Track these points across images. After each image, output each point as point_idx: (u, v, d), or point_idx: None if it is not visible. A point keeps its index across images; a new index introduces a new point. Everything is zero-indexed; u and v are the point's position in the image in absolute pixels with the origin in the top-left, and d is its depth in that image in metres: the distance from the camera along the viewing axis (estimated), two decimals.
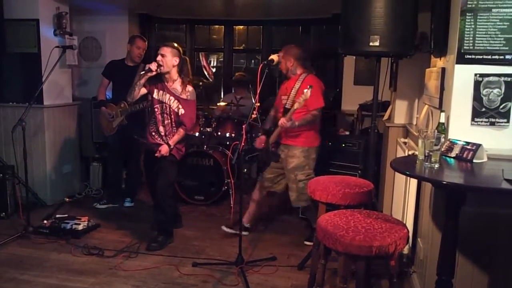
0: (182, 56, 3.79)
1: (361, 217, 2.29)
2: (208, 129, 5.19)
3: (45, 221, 4.15)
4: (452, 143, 2.41)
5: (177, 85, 3.75)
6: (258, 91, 3.50)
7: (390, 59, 3.99)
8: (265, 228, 4.38)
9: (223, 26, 6.81)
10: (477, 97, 2.45)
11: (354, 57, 5.26)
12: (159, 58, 3.66)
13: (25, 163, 3.99)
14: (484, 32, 2.42)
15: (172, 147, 3.73)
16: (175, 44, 3.77)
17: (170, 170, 3.81)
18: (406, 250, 3.31)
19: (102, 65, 4.99)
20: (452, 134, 2.50)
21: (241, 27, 6.94)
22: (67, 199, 5.10)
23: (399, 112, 4.07)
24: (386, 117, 4.46)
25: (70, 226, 4.07)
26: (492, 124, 2.45)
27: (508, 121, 2.43)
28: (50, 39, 4.78)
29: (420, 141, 2.29)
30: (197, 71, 6.68)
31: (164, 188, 3.80)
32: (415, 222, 3.24)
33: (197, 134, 5.03)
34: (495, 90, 2.43)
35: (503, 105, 2.43)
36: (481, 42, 2.43)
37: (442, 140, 2.29)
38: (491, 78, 2.43)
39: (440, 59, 2.89)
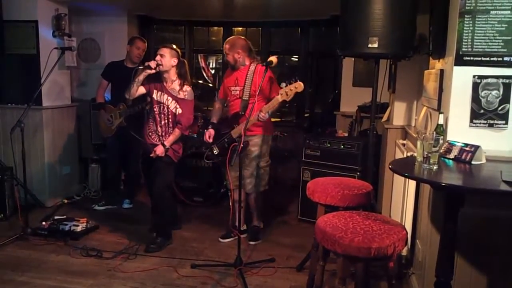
0: (181, 59, 3.81)
1: (360, 219, 2.29)
2: (205, 130, 5.19)
3: (43, 223, 4.14)
4: (451, 145, 2.41)
5: (175, 85, 3.77)
6: (257, 92, 3.51)
7: (389, 60, 4.00)
8: (263, 229, 4.37)
9: (222, 28, 6.82)
10: (475, 98, 2.46)
11: (353, 59, 5.26)
12: (158, 57, 3.70)
13: (23, 164, 3.98)
14: (482, 34, 2.43)
15: (167, 147, 3.73)
16: (174, 46, 3.81)
17: (166, 172, 3.81)
18: (404, 252, 3.31)
19: (101, 67, 4.99)
20: (451, 136, 2.50)
21: (240, 28, 6.94)
22: (66, 201, 5.10)
23: (398, 113, 4.07)
24: (385, 118, 4.46)
25: (68, 228, 4.06)
26: (491, 125, 2.46)
27: (506, 123, 2.43)
28: (49, 40, 4.78)
29: (418, 143, 2.29)
30: (196, 72, 6.69)
31: (161, 190, 3.80)
32: (413, 223, 3.24)
33: (195, 135, 5.03)
34: (494, 92, 2.43)
35: (502, 106, 2.43)
36: (479, 44, 2.43)
37: (441, 141, 2.30)
38: (489, 80, 2.43)
39: (439, 61, 2.89)
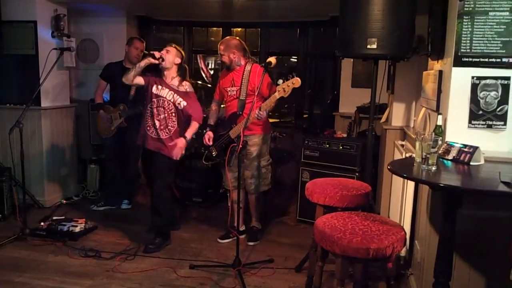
0: (183, 64, 3.84)
1: (359, 220, 2.29)
2: (204, 131, 5.19)
3: (42, 223, 4.14)
4: (449, 146, 2.42)
5: (175, 81, 3.79)
6: (256, 93, 3.51)
7: (388, 61, 4.00)
8: (262, 230, 4.37)
9: (221, 28, 6.82)
10: (474, 99, 2.46)
11: (352, 60, 5.27)
12: (163, 52, 3.73)
13: (22, 165, 3.98)
14: (481, 35, 2.43)
15: (188, 139, 3.75)
16: (181, 49, 3.87)
17: (166, 172, 3.81)
18: (403, 253, 3.31)
19: (99, 67, 4.98)
20: (449, 137, 2.50)
21: (239, 29, 6.95)
22: (64, 201, 5.09)
23: (397, 114, 4.07)
24: (383, 119, 4.47)
25: (67, 228, 4.06)
26: (489, 126, 2.46)
27: (505, 124, 2.44)
28: (48, 41, 4.77)
29: (417, 144, 2.30)
30: (195, 73, 6.68)
31: (161, 190, 3.80)
32: (412, 224, 3.24)
33: (194, 136, 5.02)
34: (492, 93, 2.44)
35: (500, 107, 2.44)
36: (478, 45, 2.44)
37: (439, 142, 2.30)
38: (488, 81, 2.44)
39: (438, 62, 2.90)
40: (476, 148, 2.31)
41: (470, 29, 2.44)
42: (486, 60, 2.44)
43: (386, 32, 2.95)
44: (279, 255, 3.74)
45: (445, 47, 2.70)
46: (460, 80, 2.47)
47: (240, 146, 3.23)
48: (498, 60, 2.42)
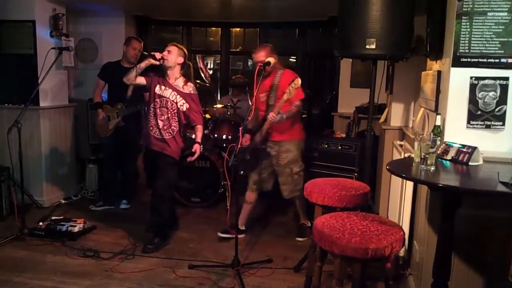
0: (187, 61, 3.83)
1: (357, 220, 2.29)
2: (205, 131, 5.19)
3: (40, 223, 4.13)
4: (448, 146, 2.42)
5: (179, 82, 3.78)
6: (255, 94, 3.51)
7: (386, 62, 4.00)
8: (261, 230, 4.38)
9: (219, 28, 6.82)
10: (472, 100, 2.47)
11: (351, 60, 5.27)
12: (165, 53, 3.71)
13: (20, 164, 3.97)
14: (479, 36, 2.43)
15: (201, 143, 3.81)
16: (183, 47, 3.84)
17: (169, 171, 3.81)
18: (402, 253, 3.31)
19: (98, 67, 4.98)
20: (448, 137, 2.51)
21: (238, 29, 6.95)
22: (63, 201, 5.09)
23: (395, 114, 4.08)
24: (382, 119, 4.47)
25: (65, 228, 4.05)
26: (488, 127, 2.46)
27: (503, 124, 2.44)
28: (46, 40, 4.77)
29: (416, 144, 2.30)
30: (194, 73, 6.68)
31: (163, 190, 3.80)
32: (411, 224, 3.24)
33: (193, 136, 5.02)
34: (491, 93, 2.44)
35: (499, 108, 2.44)
36: (476, 45, 2.44)
37: (438, 142, 2.31)
38: (486, 81, 2.44)
39: (436, 62, 2.90)
40: (474, 148, 2.32)
41: (468, 30, 2.44)
42: (485, 60, 2.44)
43: (384, 32, 2.96)
44: (278, 255, 3.74)
45: (443, 47, 2.70)
46: (459, 80, 2.48)
47: (239, 146, 3.23)
48: (497, 60, 2.42)
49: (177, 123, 3.77)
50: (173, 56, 3.72)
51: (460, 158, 2.32)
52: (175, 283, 3.27)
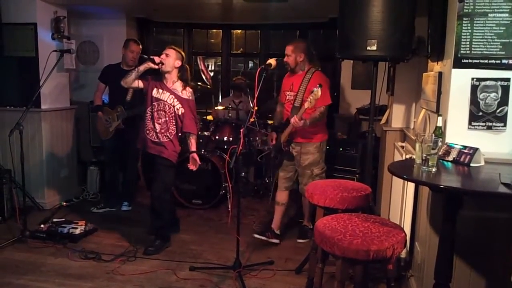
0: (184, 64, 3.82)
1: (359, 221, 2.29)
2: (206, 133, 5.20)
3: (42, 225, 4.14)
4: (449, 147, 2.42)
5: (177, 86, 3.78)
6: (256, 95, 3.51)
7: (388, 63, 4.01)
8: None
9: (221, 30, 6.83)
10: (474, 101, 2.46)
11: (352, 61, 5.27)
12: (163, 56, 3.71)
13: (22, 167, 3.97)
14: (480, 37, 2.43)
15: (196, 151, 3.81)
16: (180, 50, 3.84)
17: (166, 174, 3.80)
18: (403, 254, 3.30)
19: (100, 69, 4.99)
20: (449, 138, 2.50)
21: (239, 31, 6.96)
22: (64, 203, 5.09)
23: (397, 116, 4.07)
24: (383, 121, 4.46)
25: (67, 230, 4.05)
26: (489, 128, 2.46)
27: (505, 125, 2.44)
28: (48, 43, 4.78)
29: (417, 145, 2.30)
30: (195, 75, 6.68)
31: (160, 192, 3.79)
32: (412, 226, 3.24)
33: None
34: (492, 94, 2.44)
35: (500, 109, 2.43)
36: (477, 46, 2.44)
37: (440, 144, 2.30)
38: (488, 82, 2.44)
39: (437, 63, 2.90)
40: (476, 149, 2.31)
41: (469, 31, 2.44)
42: (486, 61, 2.44)
43: (386, 34, 2.95)
44: (279, 257, 3.74)
45: (444, 48, 2.70)
46: (460, 81, 2.47)
47: (241, 148, 3.23)
48: (498, 61, 2.42)
49: (175, 126, 3.76)
50: (171, 59, 3.72)
51: (462, 159, 2.31)
52: (176, 285, 3.26)
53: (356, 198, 2.81)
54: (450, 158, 2.36)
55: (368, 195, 2.90)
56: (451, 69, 2.48)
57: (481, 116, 2.46)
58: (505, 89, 2.42)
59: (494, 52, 2.42)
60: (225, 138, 5.16)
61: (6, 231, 4.17)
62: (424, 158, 2.21)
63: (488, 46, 2.43)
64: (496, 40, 2.41)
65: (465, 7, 2.43)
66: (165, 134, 3.75)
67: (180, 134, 3.85)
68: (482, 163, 2.31)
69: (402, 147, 3.61)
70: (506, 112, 2.43)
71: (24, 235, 3.95)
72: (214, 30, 7.04)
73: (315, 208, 3.06)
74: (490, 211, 2.31)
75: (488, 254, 2.37)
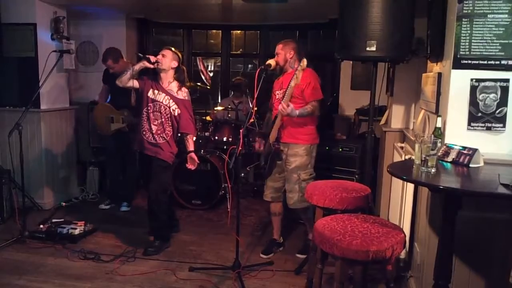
0: (181, 65, 3.82)
1: (358, 222, 2.29)
2: (205, 134, 5.20)
3: (41, 226, 4.14)
4: (449, 148, 2.42)
5: (172, 87, 3.77)
6: (256, 96, 3.51)
7: (387, 64, 4.01)
8: (262, 232, 4.38)
9: (220, 31, 6.83)
10: (473, 102, 2.47)
11: (351, 62, 5.27)
12: (159, 56, 3.71)
13: (21, 167, 3.97)
14: (480, 38, 2.44)
15: (194, 151, 3.81)
16: (177, 51, 3.84)
17: (162, 175, 3.79)
18: (403, 255, 3.31)
19: (99, 70, 4.99)
20: (449, 139, 2.51)
21: (239, 31, 6.96)
22: (64, 204, 5.09)
23: (396, 116, 4.08)
24: (383, 121, 4.47)
25: (66, 231, 4.05)
26: (488, 129, 2.46)
27: (504, 126, 2.44)
28: (47, 43, 4.78)
29: (416, 146, 2.30)
30: (195, 75, 6.69)
31: (157, 194, 3.78)
32: (412, 226, 3.24)
33: (194, 138, 5.03)
34: (491, 95, 2.44)
35: (499, 110, 2.44)
36: (477, 47, 2.45)
37: (439, 144, 2.30)
38: (487, 83, 2.44)
39: (437, 64, 2.90)
40: (475, 150, 2.31)
41: (469, 32, 2.44)
42: (485, 62, 2.44)
43: (385, 35, 2.96)
44: (278, 258, 3.74)
45: (444, 49, 2.70)
46: (459, 82, 2.48)
47: (240, 148, 3.23)
48: (497, 62, 2.42)
49: (171, 127, 3.76)
50: (167, 60, 3.72)
51: (461, 160, 2.32)
52: (176, 286, 3.26)
53: (356, 199, 2.81)
54: (450, 158, 2.37)
55: (368, 195, 2.90)
56: (451, 70, 2.49)
57: (480, 117, 2.46)
58: (504, 90, 2.42)
59: (494, 53, 2.42)
60: (225, 139, 5.16)
61: (6, 231, 4.16)
62: (423, 158, 2.21)
63: (487, 47, 2.43)
64: (495, 41, 2.42)
65: (465, 8, 2.44)
66: (161, 135, 3.74)
67: (179, 135, 3.85)
68: (481, 164, 2.31)
69: (402, 147, 3.61)
70: (506, 113, 2.43)
71: (23, 235, 3.95)
72: (214, 31, 7.04)
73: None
74: (489, 211, 2.31)
75: (487, 255, 2.37)
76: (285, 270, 3.53)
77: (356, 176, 4.19)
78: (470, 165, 2.28)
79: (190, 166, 3.78)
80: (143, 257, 3.71)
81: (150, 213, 3.89)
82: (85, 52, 5.97)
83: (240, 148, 3.23)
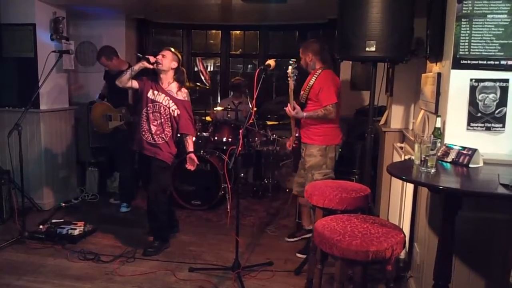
0: (180, 67, 3.82)
1: (358, 222, 2.29)
2: (205, 134, 5.20)
3: (41, 226, 4.13)
4: (448, 148, 2.42)
5: (172, 87, 3.77)
6: (255, 96, 3.51)
7: (386, 64, 4.01)
8: (261, 233, 4.38)
9: (220, 31, 6.83)
10: (472, 102, 2.47)
11: (351, 62, 5.27)
12: (159, 57, 3.71)
13: (21, 168, 3.97)
14: (479, 38, 2.44)
15: (194, 151, 3.81)
16: (177, 52, 3.84)
17: (161, 176, 3.79)
18: (402, 255, 3.31)
19: (99, 70, 4.98)
20: (448, 139, 2.51)
21: (238, 32, 6.95)
22: (63, 204, 5.09)
23: (396, 117, 4.08)
24: (382, 122, 4.47)
25: (66, 231, 4.05)
26: (488, 129, 2.46)
27: (503, 126, 2.44)
28: (46, 43, 4.78)
29: (416, 146, 2.30)
30: (194, 76, 6.68)
31: (155, 194, 3.77)
32: (411, 226, 3.24)
33: (194, 138, 5.03)
34: (491, 95, 2.44)
35: (499, 110, 2.44)
36: (476, 47, 2.45)
37: (438, 145, 2.30)
38: (486, 83, 2.44)
39: (436, 64, 2.90)
40: (475, 150, 2.31)
41: (468, 32, 2.45)
42: (485, 62, 2.44)
43: (384, 35, 2.96)
44: (278, 258, 3.74)
45: (443, 49, 2.70)
46: (459, 82, 2.48)
47: (240, 148, 3.23)
48: (497, 62, 2.43)
49: (170, 128, 3.76)
50: (167, 60, 3.72)
51: (461, 160, 2.32)
52: (175, 286, 3.26)
53: (355, 199, 2.81)
54: (449, 159, 2.37)
55: (367, 196, 2.90)
56: (450, 70, 2.49)
57: (479, 117, 2.47)
58: (504, 90, 2.42)
59: (493, 53, 2.42)
60: (224, 139, 5.16)
61: (5, 232, 4.16)
62: (423, 159, 2.21)
63: (486, 47, 2.43)
64: (494, 41, 2.42)
65: (464, 8, 2.44)
66: (160, 135, 3.74)
67: (178, 135, 3.85)
68: (481, 164, 2.31)
69: (401, 148, 3.61)
70: (505, 113, 2.43)
71: (23, 236, 3.95)
72: (213, 31, 7.04)
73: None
74: (489, 212, 2.31)
75: (487, 255, 2.37)
76: (285, 270, 3.53)
77: (356, 176, 4.19)
78: (470, 165, 2.28)
79: (189, 167, 3.78)
80: (143, 257, 3.71)
81: (149, 213, 3.89)
82: (85, 52, 5.96)
83: (239, 149, 3.23)
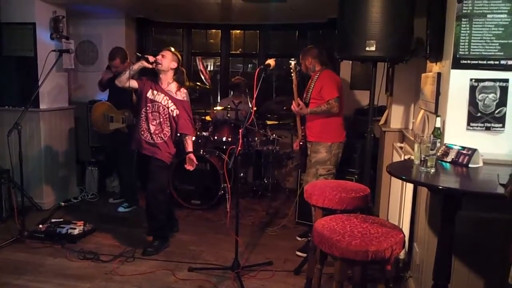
0: (180, 67, 3.82)
1: (358, 222, 2.29)
2: (205, 133, 5.20)
3: (40, 226, 4.13)
4: (448, 148, 2.42)
5: (172, 87, 3.77)
6: (255, 96, 3.50)
7: (386, 64, 4.01)
8: (261, 232, 4.38)
9: (220, 31, 6.82)
10: (472, 102, 2.47)
11: (351, 62, 5.27)
12: (158, 57, 3.70)
13: (20, 167, 3.97)
14: (479, 38, 2.44)
15: (193, 151, 3.82)
16: (177, 53, 3.84)
17: (159, 175, 3.78)
18: (402, 255, 3.31)
19: (98, 69, 4.98)
20: (448, 139, 2.51)
21: (238, 31, 6.95)
22: (63, 203, 5.09)
23: (395, 116, 4.08)
24: (382, 121, 4.47)
25: (65, 231, 4.05)
26: (488, 129, 2.46)
27: (503, 126, 2.44)
28: (46, 42, 4.78)
29: (416, 146, 2.30)
30: (194, 75, 6.68)
31: (154, 194, 3.77)
32: (411, 226, 3.24)
33: (193, 138, 5.03)
34: (491, 95, 2.44)
35: (498, 110, 2.44)
36: (476, 47, 2.45)
37: (438, 145, 2.30)
38: (486, 83, 2.44)
39: (436, 64, 2.90)
40: (474, 150, 2.31)
41: (468, 32, 2.44)
42: (485, 62, 2.44)
43: (384, 34, 2.95)
44: (277, 258, 3.74)
45: (443, 49, 2.70)
46: (459, 82, 2.48)
47: (239, 148, 3.23)
48: (497, 62, 2.42)
49: (169, 128, 3.75)
50: (167, 60, 3.71)
51: (460, 160, 2.32)
52: (175, 286, 3.26)
53: (355, 199, 2.81)
54: (449, 159, 2.37)
55: (367, 195, 2.90)
56: (450, 70, 2.49)
57: (479, 117, 2.47)
58: (504, 90, 2.42)
59: (493, 53, 2.42)
60: (224, 139, 5.15)
61: (5, 231, 4.16)
62: (422, 158, 2.21)
63: (486, 47, 2.43)
64: (494, 41, 2.42)
65: (464, 8, 2.44)
66: (159, 135, 3.74)
67: (178, 135, 3.85)
68: (481, 164, 2.31)
69: (401, 147, 3.61)
70: (505, 113, 2.43)
71: (22, 235, 3.95)
72: (213, 30, 7.03)
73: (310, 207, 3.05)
74: (488, 212, 2.31)
75: (487, 255, 2.37)
76: (285, 270, 3.53)
77: (356, 176, 4.19)
78: (470, 165, 2.28)
79: (188, 167, 3.78)
80: (142, 257, 3.71)
81: (148, 213, 3.89)
82: (85, 51, 5.96)
83: (239, 148, 3.23)
